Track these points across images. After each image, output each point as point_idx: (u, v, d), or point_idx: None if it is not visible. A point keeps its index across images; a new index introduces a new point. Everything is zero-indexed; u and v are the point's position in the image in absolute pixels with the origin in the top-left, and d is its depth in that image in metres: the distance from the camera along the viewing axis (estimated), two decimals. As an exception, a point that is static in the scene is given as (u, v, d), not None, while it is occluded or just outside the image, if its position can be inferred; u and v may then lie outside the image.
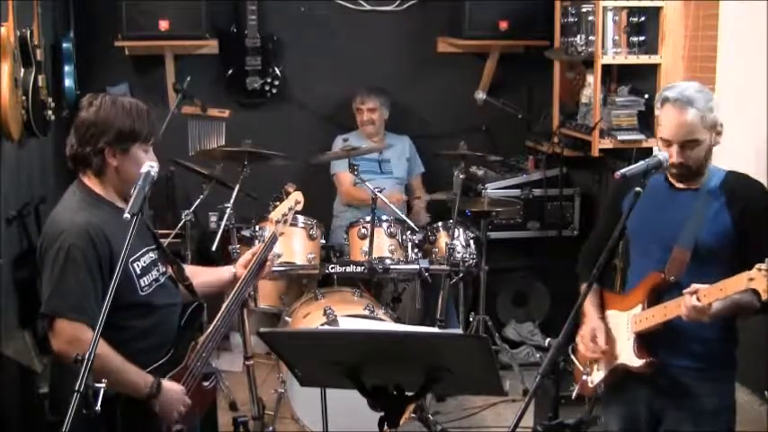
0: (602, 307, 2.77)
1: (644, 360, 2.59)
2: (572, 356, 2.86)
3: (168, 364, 2.54)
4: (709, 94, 2.56)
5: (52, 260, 2.37)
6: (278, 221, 3.05)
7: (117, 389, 2.36)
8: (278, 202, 3.38)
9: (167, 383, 2.49)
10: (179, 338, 2.60)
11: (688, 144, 2.51)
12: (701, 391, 2.61)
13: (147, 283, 2.52)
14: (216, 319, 2.73)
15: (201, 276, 2.86)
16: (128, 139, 2.47)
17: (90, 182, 2.50)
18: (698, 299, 2.37)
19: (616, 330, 2.71)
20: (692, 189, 2.60)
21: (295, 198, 3.18)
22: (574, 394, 2.89)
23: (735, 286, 2.30)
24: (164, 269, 2.63)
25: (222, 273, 2.94)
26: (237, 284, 2.83)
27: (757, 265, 2.24)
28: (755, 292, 2.25)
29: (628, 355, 2.64)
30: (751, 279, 2.25)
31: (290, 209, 3.13)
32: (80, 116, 2.49)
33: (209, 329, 2.71)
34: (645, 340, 2.61)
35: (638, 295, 2.63)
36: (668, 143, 2.54)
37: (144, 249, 2.55)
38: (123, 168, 2.47)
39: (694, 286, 2.40)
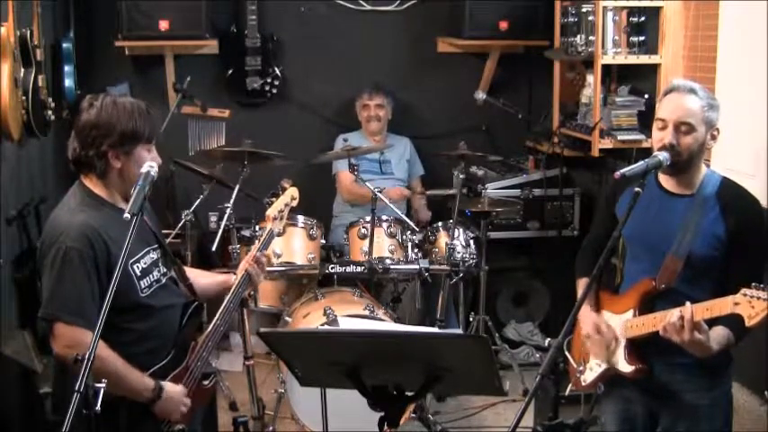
0: (598, 306, 2.78)
1: (634, 366, 2.61)
2: (566, 353, 2.87)
3: (169, 366, 2.54)
4: (714, 98, 2.59)
5: (50, 262, 2.36)
6: (275, 218, 3.03)
7: (118, 392, 2.36)
8: (274, 199, 3.36)
9: (169, 386, 2.49)
10: (179, 339, 2.60)
11: (683, 126, 2.51)
12: (695, 387, 2.62)
13: (147, 284, 2.51)
14: (215, 318, 2.73)
15: (200, 280, 2.85)
16: (131, 141, 2.45)
17: (91, 183, 2.49)
18: (686, 316, 2.38)
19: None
20: (686, 196, 2.60)
21: (291, 194, 3.16)
22: (567, 390, 2.90)
23: (720, 309, 2.33)
24: (165, 269, 2.62)
25: (220, 278, 2.94)
26: (236, 282, 2.82)
27: (743, 291, 2.28)
28: (739, 315, 2.29)
29: (619, 360, 2.65)
30: (736, 303, 2.29)
31: (286, 204, 3.11)
32: (81, 118, 2.46)
33: (209, 329, 2.70)
34: (636, 345, 2.62)
35: (630, 300, 2.64)
36: (663, 124, 2.54)
37: (145, 250, 2.54)
38: (127, 170, 2.46)
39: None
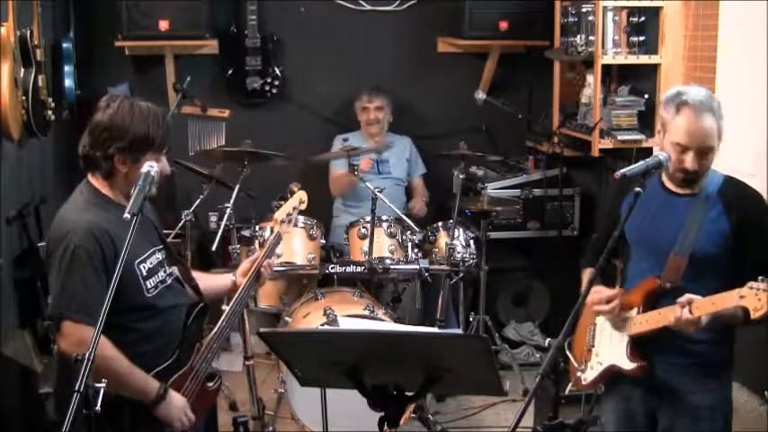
0: None
1: (636, 364, 2.62)
2: (567, 352, 2.87)
3: (173, 366, 2.54)
4: (719, 102, 2.56)
5: (58, 261, 2.36)
6: (282, 221, 3.05)
7: (123, 392, 2.36)
8: (282, 202, 3.37)
9: (172, 394, 2.48)
10: (184, 340, 2.59)
11: (704, 150, 2.50)
12: (695, 387, 2.63)
13: (153, 284, 2.51)
14: (221, 321, 2.73)
15: (200, 282, 2.85)
16: (141, 147, 2.44)
17: (98, 183, 2.49)
18: (690, 311, 2.39)
19: (612, 329, 2.72)
20: (689, 195, 2.60)
21: (299, 197, 3.17)
22: (567, 389, 2.90)
23: (726, 302, 2.33)
24: (170, 270, 2.62)
25: (220, 280, 2.93)
26: (242, 285, 2.82)
27: (749, 284, 2.27)
28: (744, 308, 2.28)
29: (621, 357, 2.66)
30: (742, 297, 2.28)
31: (294, 208, 3.13)
32: (95, 118, 2.45)
33: (214, 331, 2.70)
34: (638, 343, 2.63)
35: (635, 298, 2.65)
36: (684, 149, 2.51)
37: (151, 250, 2.54)
38: (132, 175, 2.44)
39: (688, 297, 2.42)
